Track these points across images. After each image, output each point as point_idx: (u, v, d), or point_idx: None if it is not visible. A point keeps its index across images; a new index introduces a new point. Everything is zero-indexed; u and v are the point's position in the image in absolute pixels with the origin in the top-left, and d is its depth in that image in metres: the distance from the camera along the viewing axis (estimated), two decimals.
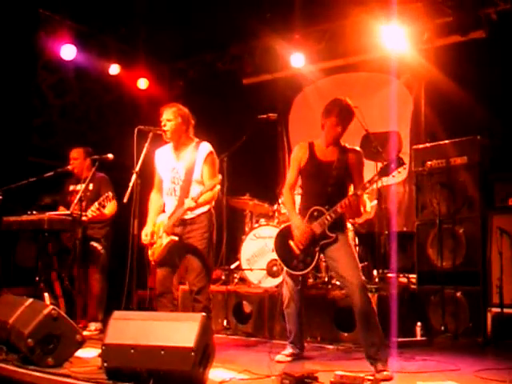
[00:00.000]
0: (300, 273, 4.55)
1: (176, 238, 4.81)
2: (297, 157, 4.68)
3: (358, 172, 4.55)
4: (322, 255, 4.53)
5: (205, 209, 4.88)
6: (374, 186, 4.73)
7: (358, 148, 4.67)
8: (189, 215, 4.82)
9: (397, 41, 7.32)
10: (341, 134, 4.53)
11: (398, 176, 4.72)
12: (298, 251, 4.47)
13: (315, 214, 4.44)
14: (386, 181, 4.34)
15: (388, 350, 4.31)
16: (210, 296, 4.93)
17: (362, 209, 4.51)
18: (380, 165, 6.06)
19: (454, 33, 7.27)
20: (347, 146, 4.62)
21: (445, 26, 7.34)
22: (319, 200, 4.47)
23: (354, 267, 4.31)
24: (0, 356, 4.24)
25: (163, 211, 5.04)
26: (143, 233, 4.87)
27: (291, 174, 4.73)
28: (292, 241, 4.51)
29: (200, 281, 4.82)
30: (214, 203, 4.97)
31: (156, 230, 4.90)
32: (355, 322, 4.45)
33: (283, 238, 4.62)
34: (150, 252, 4.93)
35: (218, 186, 4.74)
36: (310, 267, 4.50)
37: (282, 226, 4.83)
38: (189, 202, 4.63)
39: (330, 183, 4.47)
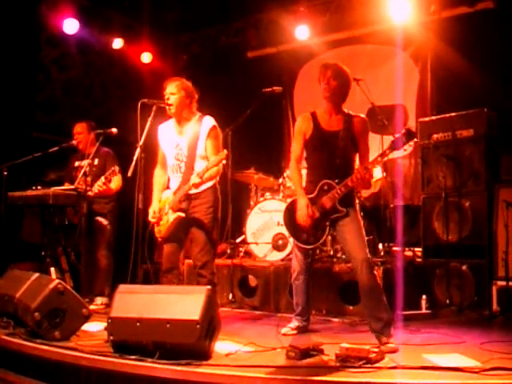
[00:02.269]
0: (310, 246, 4.53)
1: (182, 215, 4.81)
2: (301, 129, 4.57)
3: (363, 140, 4.47)
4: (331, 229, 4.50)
5: (209, 184, 4.85)
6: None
7: (362, 115, 4.57)
8: (193, 190, 4.80)
9: (403, 12, 7.22)
10: (336, 89, 4.39)
11: (408, 149, 4.67)
12: (305, 227, 4.46)
13: (325, 187, 4.39)
14: (392, 154, 4.28)
15: (393, 323, 4.30)
16: (215, 270, 4.93)
17: (371, 181, 4.47)
18: (386, 138, 6.06)
19: (461, 4, 7.18)
20: (351, 113, 4.53)
21: None
22: (327, 173, 4.40)
23: (360, 243, 4.28)
24: (7, 330, 4.29)
25: (168, 188, 5.03)
26: (150, 211, 4.88)
27: (296, 146, 4.61)
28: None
29: (204, 255, 4.82)
30: (218, 178, 4.96)
31: (162, 207, 4.90)
32: (360, 295, 4.45)
33: (292, 212, 4.57)
34: (156, 229, 4.93)
35: (224, 162, 4.71)
36: (321, 241, 4.48)
37: (290, 200, 4.79)
38: (194, 178, 4.61)
39: (337, 155, 4.39)
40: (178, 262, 5.00)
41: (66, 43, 8.05)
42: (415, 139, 4.19)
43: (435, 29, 7.37)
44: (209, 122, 4.91)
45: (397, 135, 4.19)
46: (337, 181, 4.34)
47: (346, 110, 4.53)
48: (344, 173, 4.33)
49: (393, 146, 4.17)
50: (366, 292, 4.25)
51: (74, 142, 6.24)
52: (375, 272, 4.31)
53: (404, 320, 4.99)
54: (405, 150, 4.28)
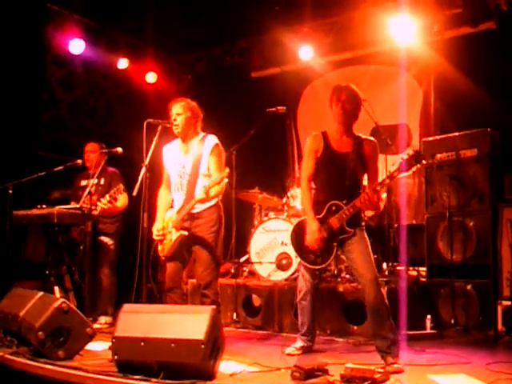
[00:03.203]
0: (318, 267, 4.52)
1: (185, 233, 4.80)
2: (312, 147, 4.55)
3: (373, 163, 4.48)
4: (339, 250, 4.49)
5: (212, 202, 4.86)
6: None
7: (372, 138, 4.60)
8: (196, 209, 4.81)
9: (406, 33, 7.27)
10: (350, 112, 4.41)
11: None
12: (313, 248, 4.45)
13: (333, 208, 4.38)
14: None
15: (399, 343, 4.28)
16: (218, 290, 4.92)
17: (380, 203, 4.47)
18: (390, 157, 6.07)
19: (464, 24, 7.22)
20: (361, 135, 4.55)
21: (455, 18, 7.28)
22: (335, 193, 4.40)
23: (368, 262, 4.28)
24: (11, 349, 4.27)
25: (171, 207, 5.03)
26: (154, 229, 4.88)
27: (308, 165, 4.57)
28: None
29: (208, 275, 4.81)
30: (221, 197, 4.96)
31: (165, 226, 4.90)
32: (365, 315, 4.43)
33: (300, 232, 4.57)
34: (159, 248, 4.92)
35: (226, 180, 4.72)
36: (328, 262, 4.47)
37: (298, 219, 4.77)
38: (200, 194, 4.62)
39: (346, 176, 4.39)
40: (181, 281, 5.00)
41: (72, 63, 8.12)
42: (423, 161, 4.18)
43: (439, 49, 7.40)
44: (211, 140, 4.94)
45: (405, 157, 4.18)
46: (345, 202, 4.33)
47: (356, 133, 4.54)
48: (352, 194, 4.34)
49: (401, 168, 4.18)
50: (373, 311, 4.23)
51: (80, 161, 6.21)
52: (383, 291, 4.30)
53: (409, 340, 4.96)
54: (413, 172, 4.28)
